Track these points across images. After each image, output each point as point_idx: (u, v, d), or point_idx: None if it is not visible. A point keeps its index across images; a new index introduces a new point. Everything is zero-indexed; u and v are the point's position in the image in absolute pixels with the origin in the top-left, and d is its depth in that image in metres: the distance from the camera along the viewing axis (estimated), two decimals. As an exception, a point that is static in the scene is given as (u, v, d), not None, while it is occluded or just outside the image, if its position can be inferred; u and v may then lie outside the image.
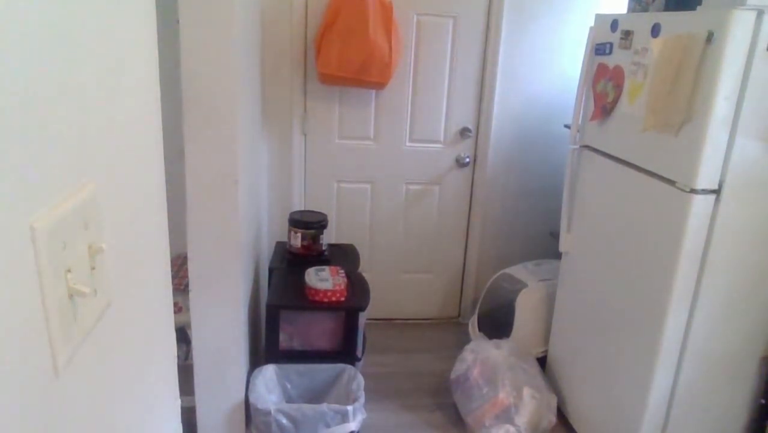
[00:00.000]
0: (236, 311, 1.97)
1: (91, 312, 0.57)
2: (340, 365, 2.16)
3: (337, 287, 2.15)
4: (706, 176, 1.66)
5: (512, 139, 3.00)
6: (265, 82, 2.73)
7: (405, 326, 3.18)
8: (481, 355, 2.33)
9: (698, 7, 1.79)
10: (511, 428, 2.15)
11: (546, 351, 2.56)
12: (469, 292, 3.22)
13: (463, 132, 2.97)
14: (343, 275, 2.25)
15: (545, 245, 3.12)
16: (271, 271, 2.43)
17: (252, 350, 2.32)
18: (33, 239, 0.46)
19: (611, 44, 2.07)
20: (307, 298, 2.16)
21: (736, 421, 1.94)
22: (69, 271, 0.52)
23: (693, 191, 1.67)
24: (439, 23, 2.80)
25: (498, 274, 2.84)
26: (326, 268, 2.29)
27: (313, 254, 2.47)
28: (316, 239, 2.46)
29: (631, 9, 2.24)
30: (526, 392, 2.20)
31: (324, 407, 1.89)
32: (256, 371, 2.08)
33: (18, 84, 0.43)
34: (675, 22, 1.75)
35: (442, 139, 2.97)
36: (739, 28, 1.54)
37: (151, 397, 0.79)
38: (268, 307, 2.14)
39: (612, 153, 2.07)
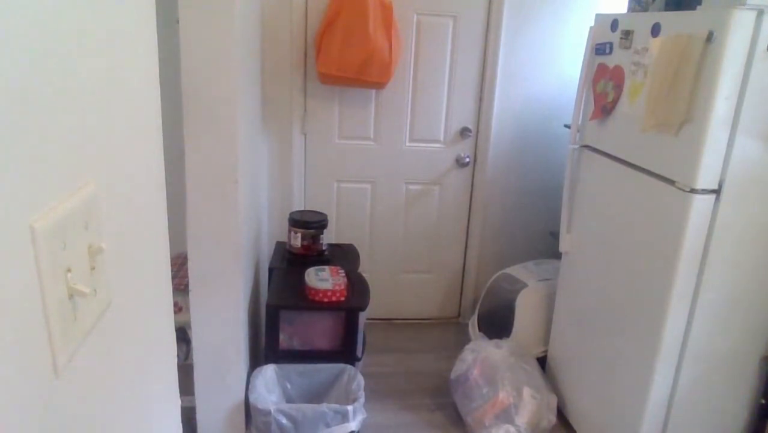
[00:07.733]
0: (236, 311, 1.97)
1: (91, 312, 0.57)
2: (340, 365, 2.16)
3: (337, 287, 2.15)
4: (706, 176, 1.66)
5: (512, 139, 3.00)
6: (265, 82, 2.73)
7: (405, 326, 3.18)
8: (481, 355, 2.33)
9: (698, 7, 1.79)
10: (511, 428, 2.15)
11: (546, 351, 2.56)
12: (469, 292, 3.22)
13: (463, 132, 2.97)
14: (343, 275, 2.25)
15: (545, 245, 3.12)
16: (271, 271, 2.43)
17: (252, 350, 2.32)
18: (33, 239, 0.46)
19: (611, 44, 2.07)
20: (307, 298, 2.16)
21: (736, 421, 1.93)
22: (69, 271, 0.52)
23: (693, 191, 1.67)
24: (439, 23, 2.80)
25: (498, 274, 2.84)
26: (326, 268, 2.29)
27: (313, 254, 2.47)
28: (316, 238, 2.46)
29: (631, 9, 2.24)
30: (526, 392, 2.20)
31: (324, 407, 1.89)
32: (256, 371, 2.08)
33: (18, 84, 0.43)
34: (675, 22, 1.75)
35: (442, 139, 2.97)
36: (739, 28, 1.54)
37: (151, 397, 0.79)
38: (268, 307, 2.14)
39: (612, 153, 2.07)
